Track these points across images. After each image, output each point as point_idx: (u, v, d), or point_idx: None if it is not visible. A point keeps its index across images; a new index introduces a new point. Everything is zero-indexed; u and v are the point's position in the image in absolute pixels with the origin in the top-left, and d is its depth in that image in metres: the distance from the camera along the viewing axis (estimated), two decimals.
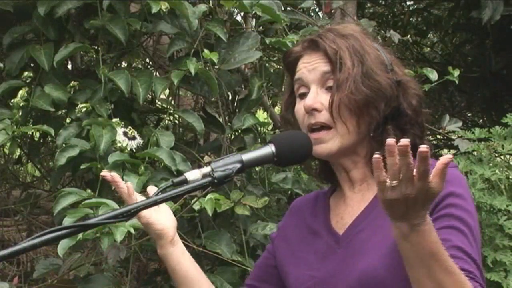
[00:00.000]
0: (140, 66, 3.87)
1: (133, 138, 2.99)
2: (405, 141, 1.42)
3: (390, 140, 1.44)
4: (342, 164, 1.85)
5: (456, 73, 3.60)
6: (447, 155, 1.47)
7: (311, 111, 1.80)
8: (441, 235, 1.64)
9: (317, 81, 1.81)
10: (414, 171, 1.44)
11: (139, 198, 1.93)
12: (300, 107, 1.84)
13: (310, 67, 1.82)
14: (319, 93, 1.81)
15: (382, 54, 1.84)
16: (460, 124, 3.66)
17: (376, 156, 1.45)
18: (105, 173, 1.90)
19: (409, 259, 1.55)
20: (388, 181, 1.47)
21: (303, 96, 1.84)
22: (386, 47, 1.91)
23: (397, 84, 1.81)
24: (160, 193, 1.60)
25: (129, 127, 3.03)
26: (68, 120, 3.29)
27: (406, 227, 1.51)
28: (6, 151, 3.46)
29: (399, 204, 1.48)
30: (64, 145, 3.00)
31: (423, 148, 1.42)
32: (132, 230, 2.69)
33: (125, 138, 2.97)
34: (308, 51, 1.84)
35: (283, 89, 3.88)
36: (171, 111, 3.46)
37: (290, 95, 1.91)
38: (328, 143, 1.79)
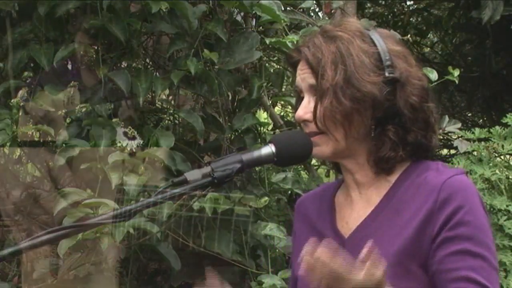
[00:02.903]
0: (140, 66, 3.86)
1: (133, 138, 2.99)
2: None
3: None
4: (346, 166, 1.84)
5: (456, 73, 3.60)
6: (368, 246, 1.52)
7: (302, 121, 1.80)
8: (449, 263, 1.65)
9: (308, 91, 1.82)
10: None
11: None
12: None
13: (302, 75, 1.83)
14: (310, 101, 1.81)
15: (379, 48, 1.80)
16: (459, 125, 3.66)
17: None
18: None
19: None
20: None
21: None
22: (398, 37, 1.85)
23: (391, 83, 1.78)
24: (160, 193, 1.60)
25: (129, 127, 3.03)
26: (68, 120, 3.29)
27: None
28: (6, 151, 3.45)
29: None
30: (64, 145, 3.00)
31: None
32: (132, 230, 2.69)
33: (125, 138, 2.97)
34: (302, 57, 1.84)
35: (283, 89, 3.88)
36: (171, 111, 3.46)
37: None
38: (322, 146, 1.79)
